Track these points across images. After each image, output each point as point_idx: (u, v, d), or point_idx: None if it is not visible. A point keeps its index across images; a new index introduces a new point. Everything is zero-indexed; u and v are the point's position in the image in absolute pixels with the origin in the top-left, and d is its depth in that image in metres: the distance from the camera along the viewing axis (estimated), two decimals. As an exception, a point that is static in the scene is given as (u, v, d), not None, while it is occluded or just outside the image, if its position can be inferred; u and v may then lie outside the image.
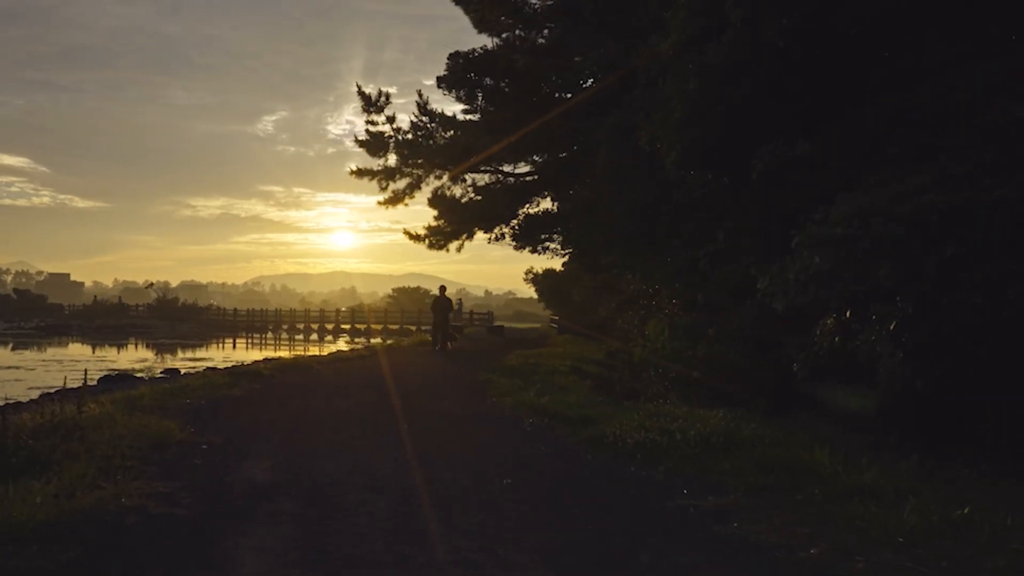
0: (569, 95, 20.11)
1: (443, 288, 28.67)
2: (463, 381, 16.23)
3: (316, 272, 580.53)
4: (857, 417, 8.32)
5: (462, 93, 28.86)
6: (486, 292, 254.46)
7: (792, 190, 9.23)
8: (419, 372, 18.43)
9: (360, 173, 33.44)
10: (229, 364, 32.71)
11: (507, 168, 33.19)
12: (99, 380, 20.72)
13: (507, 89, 20.88)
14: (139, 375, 26.81)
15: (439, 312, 27.14)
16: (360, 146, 32.65)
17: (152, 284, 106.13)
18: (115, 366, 32.09)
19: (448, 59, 28.76)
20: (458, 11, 29.54)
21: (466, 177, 33.56)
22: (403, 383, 15.49)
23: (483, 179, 33.91)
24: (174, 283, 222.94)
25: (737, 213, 10.84)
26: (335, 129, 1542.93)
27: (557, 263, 52.13)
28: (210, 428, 9.11)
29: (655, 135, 10.92)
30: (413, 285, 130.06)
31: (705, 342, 10.87)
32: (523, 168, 33.35)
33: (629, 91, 13.44)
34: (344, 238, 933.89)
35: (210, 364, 33.38)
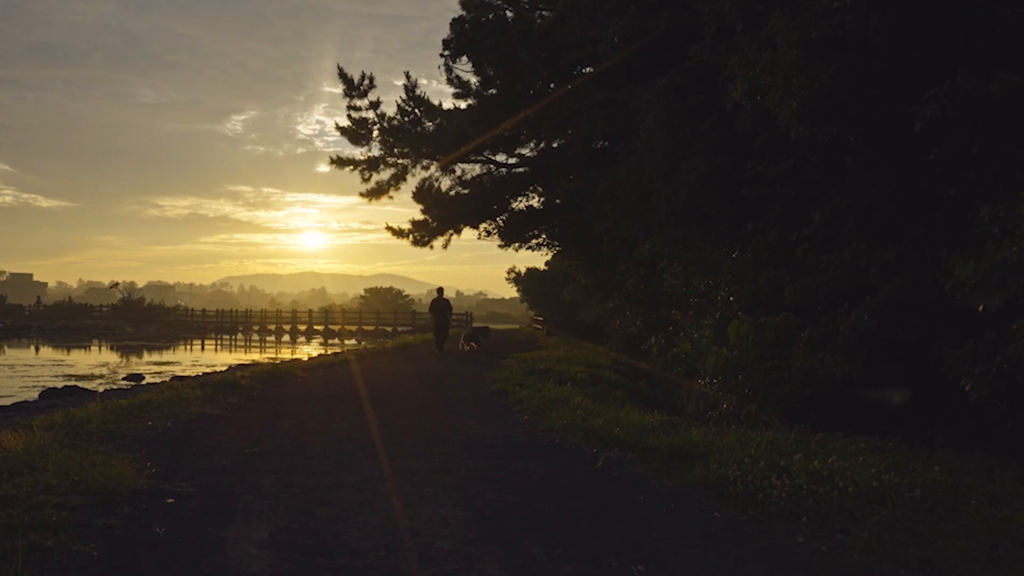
0: (589, 69, 17.87)
1: (441, 290, 27.09)
2: (474, 391, 13.99)
3: (286, 273, 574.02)
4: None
5: (470, 62, 26.44)
6: (457, 293, 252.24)
7: (984, 152, 6.98)
8: (420, 380, 16.15)
9: (341, 162, 31.08)
10: (199, 369, 30.20)
11: (500, 158, 30.96)
12: (40, 395, 17.96)
13: (522, 55, 18.56)
14: (96, 383, 24.24)
15: (439, 313, 26.04)
16: (341, 133, 30.31)
17: (117, 284, 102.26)
18: (73, 371, 29.43)
19: (452, 24, 26.42)
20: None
21: (455, 168, 31.31)
22: (408, 395, 13.22)
23: (474, 170, 31.71)
24: (141, 284, 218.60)
25: (860, 185, 8.63)
26: (305, 129, 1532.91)
27: (541, 262, 49.94)
28: (179, 467, 6.80)
29: (756, 85, 8.74)
30: (383, 286, 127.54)
31: (799, 350, 8.75)
32: (518, 156, 31.11)
33: (677, 50, 11.29)
34: (314, 239, 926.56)
35: (178, 369, 30.80)
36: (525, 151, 31.63)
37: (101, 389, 20.15)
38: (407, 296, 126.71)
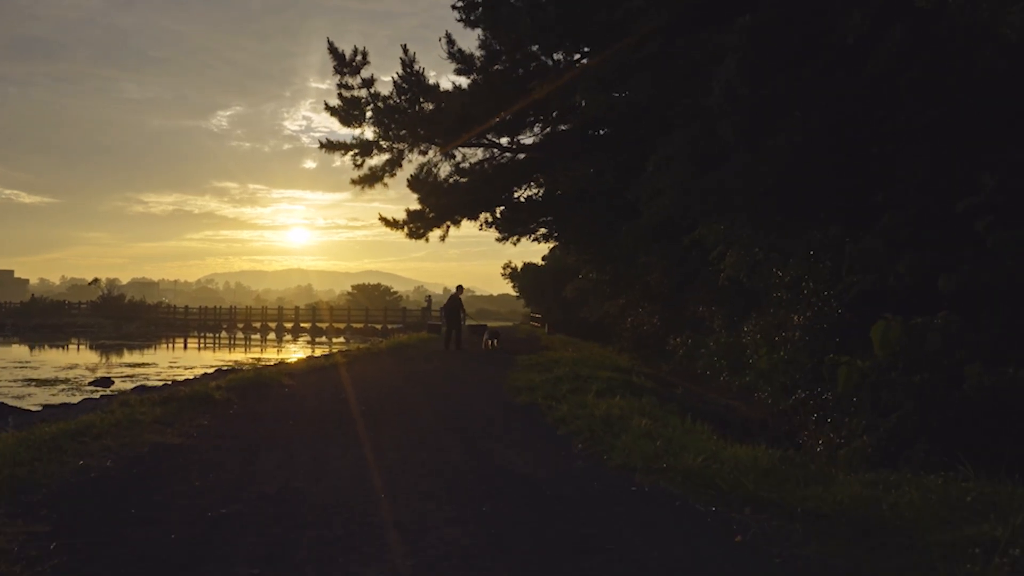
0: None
1: (460, 288, 25.86)
2: (497, 404, 11.59)
3: (271, 269, 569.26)
4: None
5: (485, 20, 23.81)
6: (444, 290, 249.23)
7: None
8: (428, 390, 13.74)
9: (331, 146, 28.55)
10: (176, 372, 27.71)
11: (504, 141, 28.46)
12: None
13: (553, 8, 16.01)
14: (57, 390, 21.66)
15: (452, 312, 25.43)
16: (331, 114, 27.76)
17: (97, 280, 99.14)
18: (36, 374, 26.84)
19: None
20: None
21: (456, 153, 28.82)
22: (418, 411, 10.80)
23: (475, 155, 29.19)
24: (125, 280, 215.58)
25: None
26: (291, 125, 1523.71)
27: (536, 256, 47.69)
28: (103, 547, 4.39)
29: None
30: (370, 283, 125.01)
31: (975, 361, 6.42)
32: (523, 140, 28.61)
33: None
34: (300, 235, 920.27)
35: (152, 372, 28.29)
36: (526, 138, 29.19)
37: (57, 399, 17.65)
38: (395, 292, 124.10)
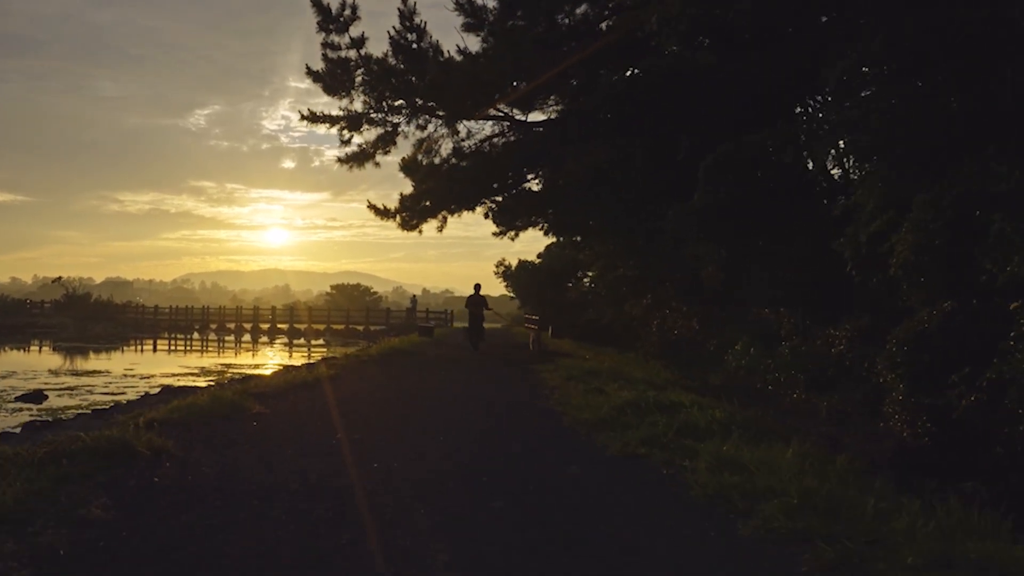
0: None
1: (478, 286, 25.46)
2: (585, 462, 7.54)
3: (248, 269, 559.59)
4: None
5: None
6: (424, 291, 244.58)
7: None
8: (454, 424, 9.66)
9: (314, 119, 24.38)
10: (130, 383, 23.37)
11: (519, 115, 24.41)
12: None
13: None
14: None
15: (475, 310, 25.14)
16: (314, 80, 23.54)
17: (61, 278, 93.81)
18: (-40, 386, 22.40)
19: None
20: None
21: (460, 127, 24.74)
22: (458, 472, 6.71)
23: (483, 130, 25.10)
24: (99, 280, 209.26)
25: None
26: (270, 124, 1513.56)
27: (529, 254, 44.11)
28: None
29: None
30: (349, 283, 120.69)
31: None
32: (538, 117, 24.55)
33: None
34: (278, 235, 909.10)
35: (100, 383, 23.93)
36: (544, 112, 25.15)
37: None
38: (375, 293, 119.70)
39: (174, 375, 26.64)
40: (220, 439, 7.99)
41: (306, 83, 24.45)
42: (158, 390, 17.78)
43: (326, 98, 29.53)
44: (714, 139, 22.54)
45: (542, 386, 14.93)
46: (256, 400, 11.07)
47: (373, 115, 24.11)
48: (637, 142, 23.12)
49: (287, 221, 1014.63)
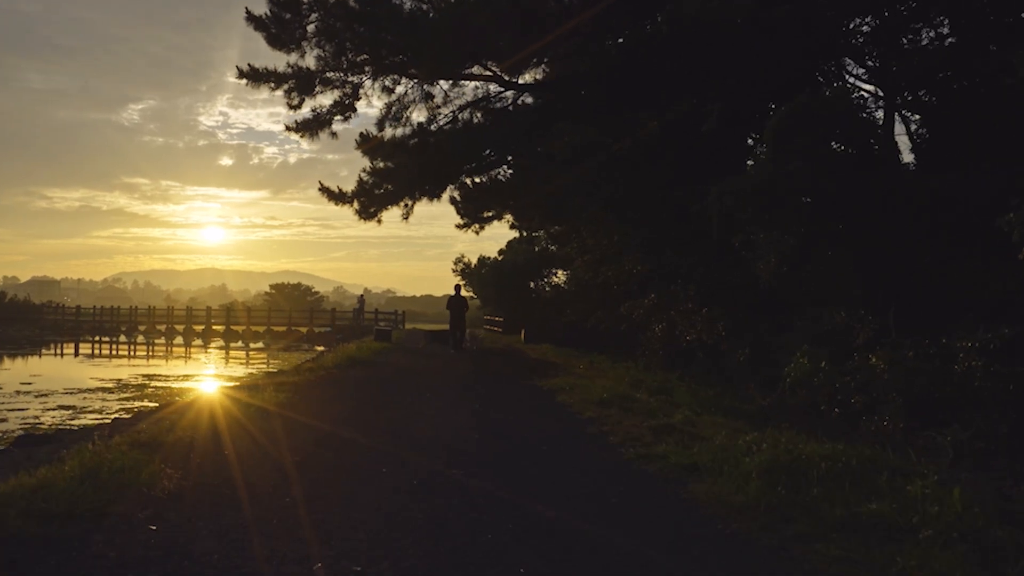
0: None
1: (458, 287, 26.70)
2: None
3: (184, 269, 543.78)
4: None
5: None
6: (365, 290, 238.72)
7: None
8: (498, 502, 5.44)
9: (255, 76, 19.72)
10: (8, 410, 18.26)
11: (507, 77, 20.14)
12: None
13: None
14: None
15: (456, 311, 25.08)
16: (255, 27, 18.88)
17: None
18: None
19: None
20: None
21: (436, 90, 20.42)
22: None
23: (463, 94, 20.81)
24: (24, 279, 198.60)
25: None
26: (207, 120, 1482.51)
27: (490, 249, 39.72)
28: None
29: None
30: (289, 283, 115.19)
31: None
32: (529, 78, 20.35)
33: None
34: (215, 234, 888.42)
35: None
36: (528, 77, 20.99)
37: None
38: (316, 293, 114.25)
39: (80, 391, 21.79)
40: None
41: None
42: (20, 433, 12.75)
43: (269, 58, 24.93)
44: (753, 106, 18.81)
45: (566, 411, 10.89)
46: (163, 461, 6.70)
47: (329, 74, 19.62)
48: (651, 112, 19.21)
49: (224, 219, 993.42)
